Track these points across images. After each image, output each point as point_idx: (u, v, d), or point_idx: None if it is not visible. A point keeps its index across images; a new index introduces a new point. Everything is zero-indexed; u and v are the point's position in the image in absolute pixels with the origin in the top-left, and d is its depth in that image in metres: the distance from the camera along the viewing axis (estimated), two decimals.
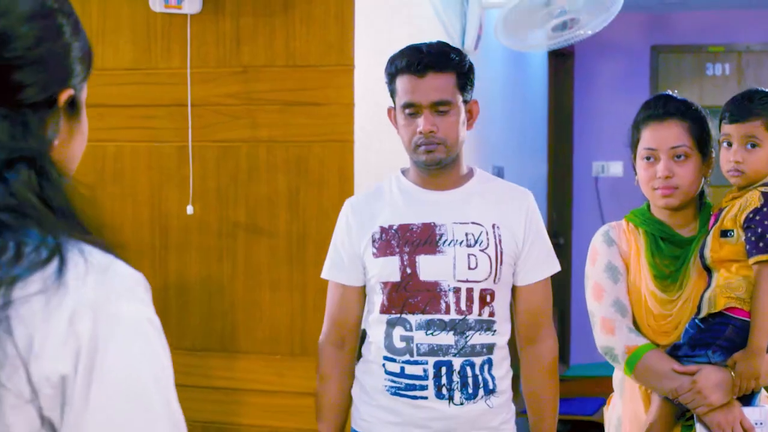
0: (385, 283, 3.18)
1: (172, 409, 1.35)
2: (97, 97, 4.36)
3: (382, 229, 3.20)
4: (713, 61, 9.17)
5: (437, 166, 3.17)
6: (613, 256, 3.28)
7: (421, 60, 3.12)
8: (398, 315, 3.16)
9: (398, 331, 3.17)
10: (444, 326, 3.12)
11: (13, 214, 1.31)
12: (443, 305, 3.12)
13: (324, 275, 3.34)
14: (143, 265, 4.37)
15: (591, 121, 9.11)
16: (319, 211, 4.16)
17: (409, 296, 3.15)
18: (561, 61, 8.96)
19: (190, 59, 4.26)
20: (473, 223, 3.18)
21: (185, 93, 4.26)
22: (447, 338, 3.12)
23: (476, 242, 3.15)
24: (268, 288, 4.24)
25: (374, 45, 4.29)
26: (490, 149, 6.36)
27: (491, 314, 3.16)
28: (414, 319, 3.14)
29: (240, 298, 4.27)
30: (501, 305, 3.19)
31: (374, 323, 3.23)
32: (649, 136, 3.20)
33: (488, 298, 3.15)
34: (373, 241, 3.20)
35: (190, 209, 4.24)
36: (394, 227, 3.19)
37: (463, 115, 3.18)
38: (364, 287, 3.29)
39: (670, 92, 3.31)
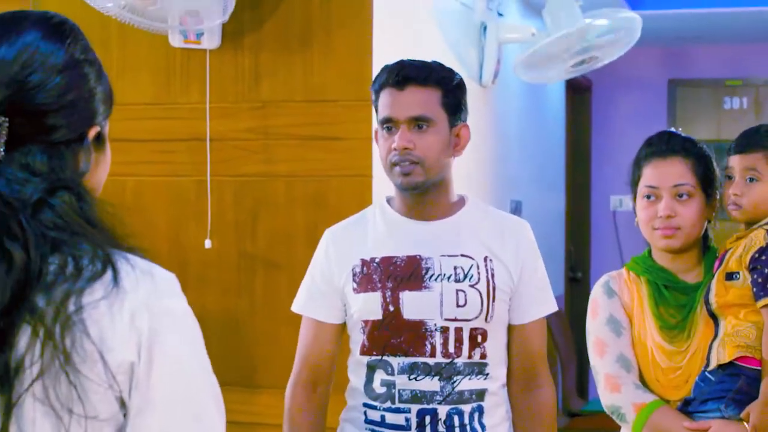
0: (366, 322, 2.89)
1: (211, 381, 1.64)
2: (116, 131, 4.35)
3: (363, 262, 2.91)
4: (731, 95, 9.17)
5: (416, 191, 2.87)
6: (614, 308, 3.08)
7: (401, 71, 2.87)
8: (379, 357, 2.87)
9: (379, 375, 2.88)
10: (429, 370, 2.83)
11: (65, 233, 1.56)
12: (428, 347, 2.83)
13: (296, 309, 3.07)
14: None
15: (609, 155, 9.11)
16: None
17: (391, 336, 2.85)
18: (579, 94, 8.97)
19: (209, 94, 4.28)
20: (463, 255, 2.89)
21: (204, 128, 4.28)
22: (432, 384, 2.83)
23: (466, 277, 2.87)
24: (287, 322, 4.23)
25: None
26: (508, 183, 6.36)
27: (483, 356, 2.87)
28: (396, 361, 2.85)
29: (258, 333, 4.27)
30: (495, 346, 2.91)
31: (355, 366, 2.96)
32: (650, 174, 3.05)
33: (479, 339, 2.87)
34: (354, 275, 2.92)
35: (208, 243, 4.25)
36: (377, 260, 2.90)
37: (446, 137, 2.88)
38: (342, 325, 3.00)
39: (674, 129, 3.19)
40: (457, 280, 2.86)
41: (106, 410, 1.55)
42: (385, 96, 2.89)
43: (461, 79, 2.97)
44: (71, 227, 1.58)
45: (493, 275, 2.89)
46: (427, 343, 2.84)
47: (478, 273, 2.88)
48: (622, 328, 3.06)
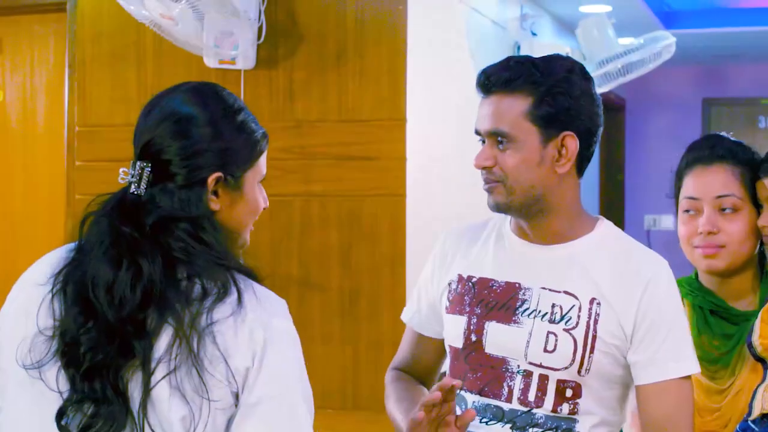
0: (451, 348, 2.55)
1: (305, 387, 2.02)
2: None
3: (460, 279, 2.54)
4: (766, 114, 9.13)
5: (507, 213, 2.48)
6: None
7: (487, 74, 2.44)
8: (458, 390, 2.44)
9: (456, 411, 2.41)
10: (501, 416, 2.43)
11: (183, 253, 1.97)
12: (505, 390, 2.43)
13: (402, 315, 2.75)
14: None
15: (642, 174, 9.08)
16: (371, 265, 4.15)
17: (468, 370, 2.48)
18: (612, 114, 8.95)
19: None
20: (566, 293, 2.41)
21: None
22: (502, 431, 2.43)
23: (562, 318, 2.40)
24: (320, 342, 4.23)
25: (426, 99, 4.30)
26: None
27: (572, 412, 2.39)
28: (471, 399, 2.47)
29: None
30: (594, 405, 2.41)
31: None
32: (691, 184, 2.65)
33: (569, 393, 2.39)
34: (449, 291, 2.56)
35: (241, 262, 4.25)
36: (474, 279, 2.51)
37: (535, 154, 2.39)
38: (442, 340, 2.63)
39: (723, 133, 2.79)
40: (551, 321, 2.41)
41: (225, 401, 1.92)
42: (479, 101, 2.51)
43: (572, 79, 2.44)
44: (188, 249, 1.97)
45: (596, 322, 2.39)
46: (505, 385, 2.43)
47: (579, 316, 2.39)
48: None
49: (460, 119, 4.74)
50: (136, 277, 1.93)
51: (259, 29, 4.24)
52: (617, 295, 2.39)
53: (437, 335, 2.62)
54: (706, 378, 2.58)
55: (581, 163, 2.48)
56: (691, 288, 2.70)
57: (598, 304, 2.39)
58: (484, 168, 2.42)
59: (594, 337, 2.37)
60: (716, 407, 2.57)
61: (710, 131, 9.12)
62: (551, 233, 2.46)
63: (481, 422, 2.44)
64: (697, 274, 2.72)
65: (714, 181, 2.61)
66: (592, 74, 2.90)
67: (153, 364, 1.90)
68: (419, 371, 2.70)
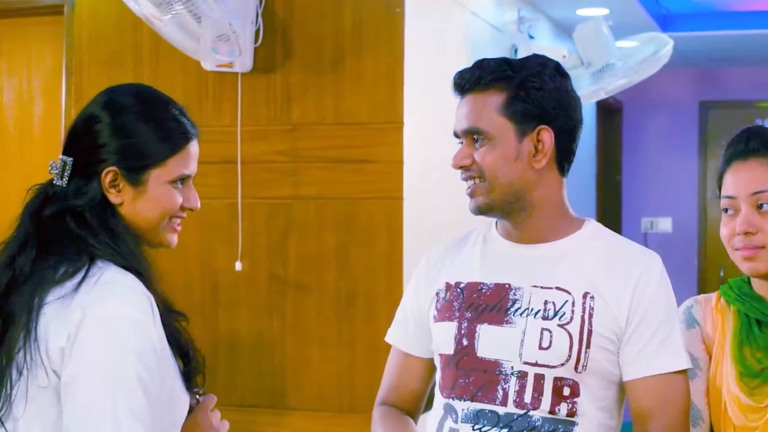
0: (441, 356, 2.46)
1: (118, 370, 2.00)
2: None
3: (448, 287, 2.48)
4: (762, 117, 9.13)
5: (487, 213, 2.44)
6: (692, 342, 2.47)
7: (460, 76, 2.46)
8: (447, 399, 2.41)
9: (447, 422, 2.41)
10: (496, 421, 2.34)
11: (60, 246, 2.11)
12: (500, 393, 2.34)
13: (387, 337, 2.68)
14: (193, 320, 4.37)
15: (640, 177, 9.09)
16: (367, 268, 4.16)
17: (460, 376, 2.39)
18: (609, 116, 8.96)
19: (241, 117, 4.29)
20: (558, 288, 2.36)
21: (235, 150, 4.29)
22: None
23: (556, 314, 2.34)
24: (317, 345, 4.24)
25: (423, 103, 4.30)
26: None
27: (571, 413, 2.32)
28: (461, 407, 2.37)
29: (289, 355, 4.27)
30: (591, 404, 2.34)
31: (435, 406, 2.50)
32: (729, 181, 2.43)
33: (566, 392, 2.32)
34: (437, 301, 2.50)
35: (238, 265, 4.26)
36: (462, 285, 2.46)
37: (512, 149, 2.37)
38: (431, 360, 2.57)
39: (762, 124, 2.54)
40: (545, 317, 2.35)
41: (43, 379, 2.02)
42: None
43: (546, 73, 2.41)
44: (65, 239, 2.11)
45: (590, 316, 2.34)
46: (499, 388, 2.35)
47: (573, 311, 2.34)
48: (698, 369, 2.47)
49: None
50: (8, 265, 2.11)
51: (257, 32, 4.24)
52: (610, 289, 2.35)
53: (426, 354, 2.56)
54: (745, 394, 2.38)
55: (561, 160, 2.45)
56: (740, 293, 2.47)
57: (592, 298, 2.35)
58: (461, 167, 2.41)
59: (590, 332, 2.32)
60: (754, 426, 2.36)
61: (707, 134, 9.14)
62: (537, 232, 2.44)
63: (474, 429, 2.35)
64: (749, 279, 2.48)
65: (750, 177, 2.39)
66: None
67: (8, 344, 2.06)
68: (407, 400, 2.61)
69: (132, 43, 4.48)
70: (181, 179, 2.24)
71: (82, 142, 2.17)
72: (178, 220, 2.29)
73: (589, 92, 5.64)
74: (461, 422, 2.37)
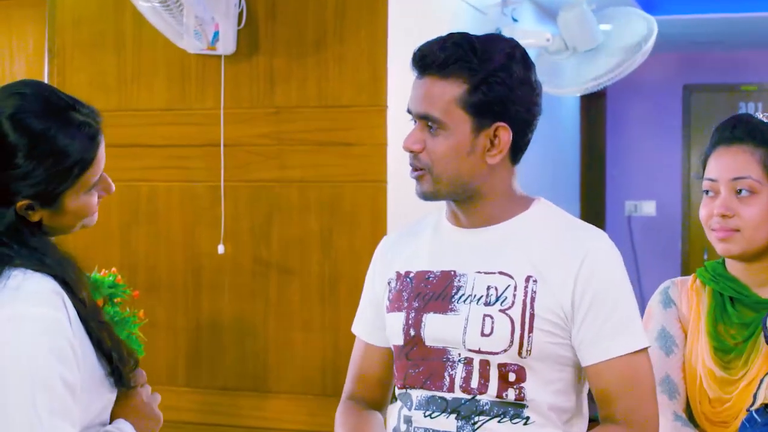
0: (394, 347, 2.45)
1: (32, 372, 1.97)
2: (131, 137, 4.39)
3: (398, 276, 2.45)
4: (746, 100, 9.15)
5: (432, 200, 2.38)
6: (668, 320, 2.60)
7: (422, 52, 2.35)
8: (402, 389, 2.41)
9: (403, 411, 2.40)
10: (444, 407, 2.32)
11: None
12: (447, 380, 2.32)
13: (352, 327, 2.67)
14: (176, 303, 4.38)
15: (623, 161, 9.10)
16: (351, 251, 4.16)
17: (410, 366, 2.38)
18: (593, 101, 8.96)
19: (224, 100, 4.28)
20: (500, 273, 2.32)
21: (218, 133, 4.29)
22: (447, 423, 2.31)
23: (497, 299, 2.29)
24: (300, 328, 4.24)
25: (407, 86, 4.28)
26: (522, 189, 6.34)
27: (519, 398, 2.28)
28: (415, 394, 2.36)
29: (272, 338, 4.27)
30: (540, 389, 2.30)
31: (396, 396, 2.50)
32: (712, 165, 2.54)
33: (512, 377, 2.28)
34: (389, 291, 2.47)
35: (221, 249, 4.25)
36: (411, 274, 2.42)
37: (465, 143, 2.30)
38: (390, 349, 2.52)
39: (752, 113, 2.68)
40: (487, 303, 2.30)
41: None
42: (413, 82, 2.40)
43: (512, 67, 2.32)
44: None
45: (533, 300, 2.28)
46: (446, 374, 2.33)
47: (514, 296, 2.29)
48: (674, 345, 2.58)
49: None
50: None
51: (240, 15, 4.23)
52: (553, 270, 2.29)
53: (385, 342, 2.51)
54: (719, 368, 2.51)
55: (515, 152, 2.38)
56: (715, 273, 2.60)
57: (534, 281, 2.29)
58: (411, 151, 2.33)
59: (532, 316, 2.27)
60: (728, 398, 2.48)
61: (691, 118, 9.15)
62: (483, 217, 2.37)
63: (425, 416, 2.34)
64: (724, 260, 2.60)
65: (732, 163, 2.51)
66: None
67: None
68: (371, 389, 2.57)
69: (114, 25, 4.46)
70: (95, 183, 2.20)
71: (6, 163, 2.09)
72: (99, 202, 2.27)
73: (575, 80, 5.63)
74: (414, 409, 2.36)
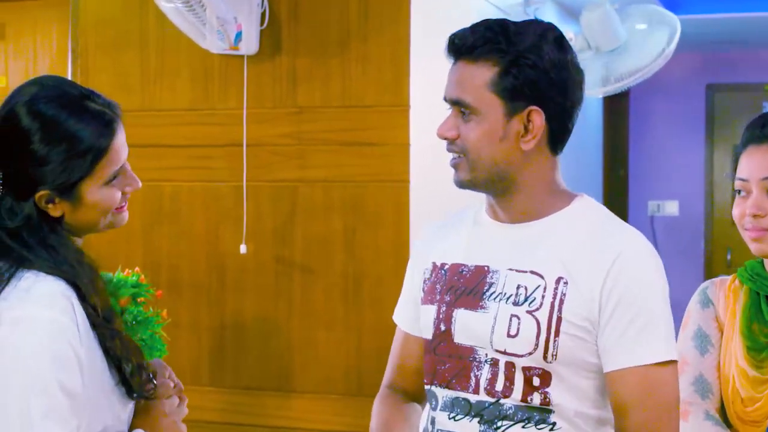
0: (424, 341, 2.38)
1: (30, 372, 1.98)
2: (154, 137, 4.40)
3: (434, 267, 2.39)
4: None
5: (470, 188, 2.32)
6: (705, 320, 2.57)
7: (453, 38, 2.31)
8: (430, 386, 2.34)
9: (429, 411, 2.35)
10: (468, 409, 2.25)
11: None
12: (472, 380, 2.25)
13: (393, 315, 2.58)
14: (200, 303, 4.39)
15: (646, 161, 9.07)
16: (374, 251, 4.16)
17: (438, 362, 2.31)
18: (616, 101, 8.93)
19: (247, 100, 4.29)
20: (532, 272, 2.23)
21: (241, 133, 4.29)
22: (470, 426, 2.24)
23: (525, 300, 2.21)
24: (324, 328, 4.24)
25: (429, 85, 4.29)
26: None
27: (545, 403, 2.20)
28: (441, 393, 2.30)
29: (296, 338, 4.28)
30: (567, 395, 2.21)
31: None
32: (743, 164, 2.51)
33: (536, 381, 2.20)
34: (424, 282, 2.41)
35: (243, 248, 4.26)
36: (446, 266, 2.36)
37: (498, 127, 2.23)
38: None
39: None
40: (515, 303, 2.22)
41: None
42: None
43: (543, 48, 2.23)
44: (1, 252, 2.09)
45: (561, 302, 2.19)
46: (471, 375, 2.25)
47: (543, 297, 2.20)
48: (710, 345, 2.55)
49: None
50: None
51: (263, 15, 4.23)
52: (584, 272, 2.19)
53: (420, 333, 2.41)
54: (751, 367, 2.47)
55: (554, 140, 2.29)
56: (752, 273, 2.55)
57: (565, 283, 2.19)
58: (446, 138, 2.29)
59: (559, 319, 2.17)
60: (759, 396, 2.45)
61: (714, 117, 9.11)
62: (520, 211, 2.29)
63: (449, 419, 2.28)
64: (763, 260, 2.57)
65: (762, 162, 2.48)
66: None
67: None
68: (410, 379, 2.49)
69: (138, 25, 4.47)
70: (115, 174, 2.18)
71: (11, 159, 2.11)
72: (125, 203, 2.25)
73: (598, 80, 5.62)
74: (439, 410, 2.30)
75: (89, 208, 2.15)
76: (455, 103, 2.27)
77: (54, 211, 2.13)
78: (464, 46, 2.26)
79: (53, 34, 4.98)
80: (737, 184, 2.51)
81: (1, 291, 2.04)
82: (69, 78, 4.56)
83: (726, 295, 2.58)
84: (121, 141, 2.16)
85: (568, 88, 2.25)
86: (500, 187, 2.27)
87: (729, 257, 8.50)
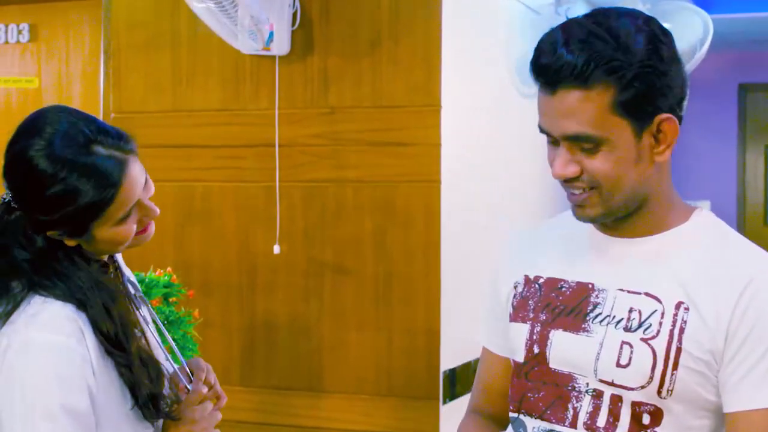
0: (513, 363, 2.15)
1: (39, 396, 1.98)
2: (185, 137, 4.41)
3: (526, 280, 2.15)
4: None
5: (602, 221, 2.06)
6: None
7: (549, 64, 1.93)
8: (516, 414, 2.11)
9: None
10: None
11: (7, 275, 2.10)
12: (570, 412, 2.01)
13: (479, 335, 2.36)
14: (231, 303, 4.40)
15: (678, 161, 9.02)
16: (405, 251, 4.15)
17: (529, 389, 2.08)
18: None
19: (278, 100, 4.29)
20: (647, 294, 1.98)
21: (273, 134, 4.29)
22: None
23: (640, 326, 1.96)
24: (354, 328, 4.24)
25: (461, 85, 4.29)
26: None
27: None
28: (531, 424, 2.07)
29: (326, 338, 4.28)
30: None
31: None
32: None
33: (646, 419, 1.95)
34: (514, 296, 2.17)
35: (276, 249, 4.26)
36: (541, 280, 2.12)
37: (631, 150, 1.96)
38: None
39: None
40: (627, 329, 1.97)
41: None
42: (538, 95, 2.00)
43: (660, 49, 1.93)
44: (13, 273, 2.10)
45: (681, 330, 1.93)
46: (570, 406, 2.01)
47: (661, 324, 1.94)
48: None
49: (495, 105, 4.72)
50: None
51: (294, 15, 4.24)
52: (709, 299, 1.93)
53: (508, 353, 2.20)
54: None
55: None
56: None
57: (686, 309, 1.94)
58: (566, 179, 2.00)
59: (678, 350, 1.92)
60: None
61: (746, 117, 9.07)
62: (637, 227, 2.05)
63: None
64: None
65: None
66: None
67: None
68: (495, 402, 2.27)
69: (170, 26, 4.48)
70: (128, 213, 2.17)
71: (26, 200, 2.12)
72: (148, 224, 2.26)
73: None
74: None
75: (104, 243, 2.17)
76: (572, 139, 1.95)
77: (69, 242, 2.15)
78: (568, 72, 1.90)
79: (85, 36, 5.01)
80: None
81: (11, 314, 2.06)
82: (101, 80, 4.57)
83: None
84: (132, 180, 2.13)
85: (684, 77, 2.02)
86: (633, 208, 2.03)
87: None
